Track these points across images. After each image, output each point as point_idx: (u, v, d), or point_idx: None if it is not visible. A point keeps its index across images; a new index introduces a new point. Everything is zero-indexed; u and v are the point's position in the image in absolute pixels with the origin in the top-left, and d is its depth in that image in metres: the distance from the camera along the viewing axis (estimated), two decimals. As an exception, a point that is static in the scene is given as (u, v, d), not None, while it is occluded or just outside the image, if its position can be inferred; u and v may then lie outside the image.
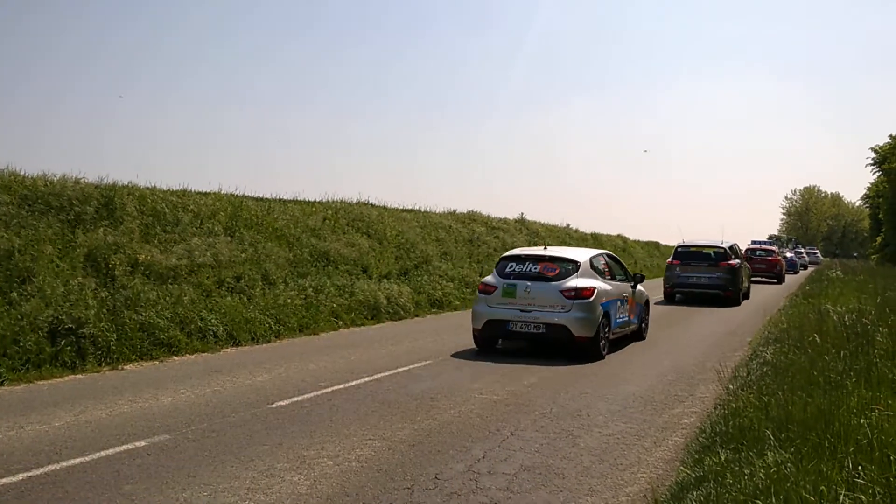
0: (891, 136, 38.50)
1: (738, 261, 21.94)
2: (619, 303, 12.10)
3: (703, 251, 21.93)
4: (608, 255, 13.22)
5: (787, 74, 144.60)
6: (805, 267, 51.43)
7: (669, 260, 22.77)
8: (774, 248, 37.67)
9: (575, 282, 11.08)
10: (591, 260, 11.88)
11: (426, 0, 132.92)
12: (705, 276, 21.34)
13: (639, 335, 13.41)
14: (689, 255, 22.04)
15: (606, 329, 11.42)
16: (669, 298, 21.87)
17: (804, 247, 69.27)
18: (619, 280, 12.73)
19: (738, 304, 21.25)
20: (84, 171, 13.25)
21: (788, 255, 44.44)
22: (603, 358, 11.07)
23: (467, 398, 8.11)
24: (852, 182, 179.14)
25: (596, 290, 11.12)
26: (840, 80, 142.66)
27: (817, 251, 70.05)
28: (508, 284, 11.30)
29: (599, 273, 11.88)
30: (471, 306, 17.99)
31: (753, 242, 39.11)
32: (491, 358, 10.76)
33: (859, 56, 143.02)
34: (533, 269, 11.41)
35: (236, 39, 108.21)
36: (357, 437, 6.46)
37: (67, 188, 12.13)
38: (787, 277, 35.82)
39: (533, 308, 11.05)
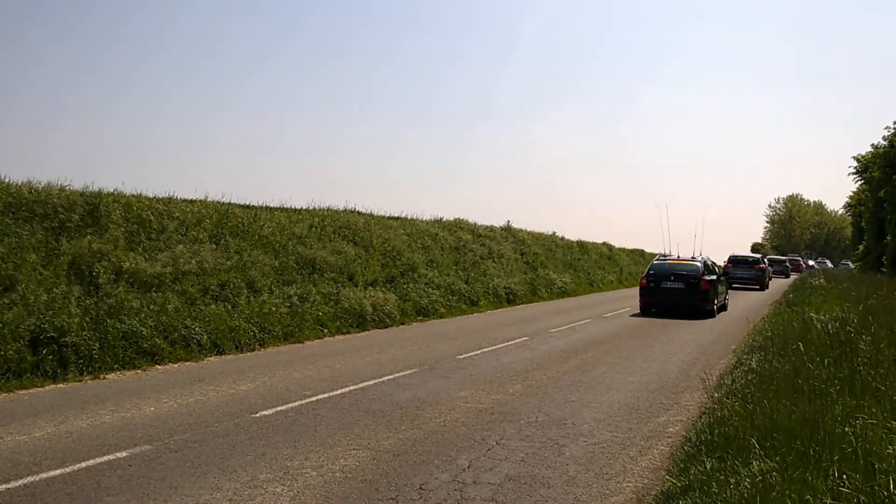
0: (873, 145, 38.92)
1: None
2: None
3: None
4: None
5: (770, 83, 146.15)
6: None
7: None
8: (799, 258, 68.61)
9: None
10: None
11: (414, 7, 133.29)
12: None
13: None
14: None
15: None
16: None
17: (824, 258, 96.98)
18: None
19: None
20: (70, 178, 13.16)
21: (810, 262, 72.86)
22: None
23: (452, 407, 8.09)
24: (835, 190, 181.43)
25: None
26: (823, 89, 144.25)
27: (849, 262, 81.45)
28: None
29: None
30: (457, 315, 18.34)
31: (790, 254, 76.08)
32: (476, 367, 10.74)
33: (843, 65, 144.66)
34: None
35: (225, 46, 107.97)
36: (341, 447, 6.42)
37: (52, 196, 12.05)
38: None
39: None
